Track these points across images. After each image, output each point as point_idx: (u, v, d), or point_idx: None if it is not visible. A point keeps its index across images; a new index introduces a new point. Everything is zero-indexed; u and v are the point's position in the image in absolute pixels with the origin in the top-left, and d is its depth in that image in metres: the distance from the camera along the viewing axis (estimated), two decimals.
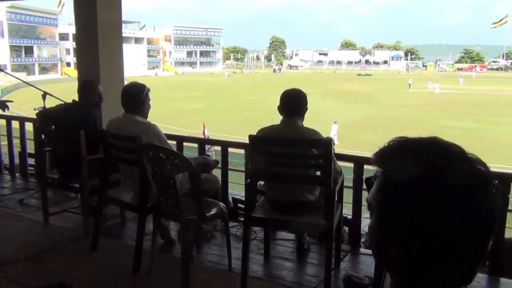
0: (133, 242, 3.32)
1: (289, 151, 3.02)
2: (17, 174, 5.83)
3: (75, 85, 4.36)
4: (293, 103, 3.18)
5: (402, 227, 0.75)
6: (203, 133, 18.14)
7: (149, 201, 3.25)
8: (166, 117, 24.05)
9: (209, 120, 20.96)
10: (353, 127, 24.58)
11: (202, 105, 34.48)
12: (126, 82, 4.13)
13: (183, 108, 32.67)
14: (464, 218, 0.72)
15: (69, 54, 66.36)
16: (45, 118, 4.28)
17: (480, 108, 33.40)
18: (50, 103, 4.80)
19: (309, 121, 3.22)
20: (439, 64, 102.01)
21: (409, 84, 51.02)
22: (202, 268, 3.40)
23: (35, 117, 4.53)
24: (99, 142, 3.77)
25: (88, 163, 3.82)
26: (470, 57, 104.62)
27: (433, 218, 0.72)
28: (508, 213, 3.36)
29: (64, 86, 18.89)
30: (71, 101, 4.28)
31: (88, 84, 4.23)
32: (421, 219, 0.73)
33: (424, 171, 0.73)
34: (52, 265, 3.40)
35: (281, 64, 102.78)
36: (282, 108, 3.18)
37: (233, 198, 4.79)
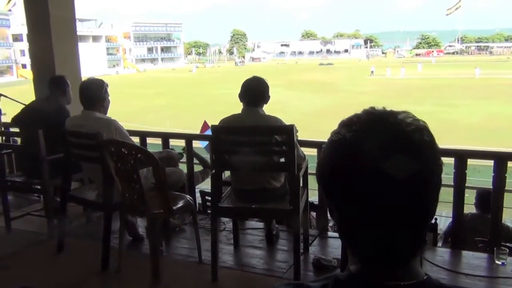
0: (100, 241, 3.27)
1: (252, 139, 3.02)
2: None
3: (31, 87, 4.22)
4: (255, 91, 3.17)
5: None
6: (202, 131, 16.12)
7: (114, 198, 3.20)
8: (130, 115, 23.70)
9: (174, 116, 20.68)
10: (315, 116, 24.83)
11: (166, 101, 34.09)
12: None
13: (146, 105, 32.24)
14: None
15: (24, 55, 64.05)
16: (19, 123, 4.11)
17: (439, 92, 34.34)
18: (5, 104, 4.65)
19: (275, 112, 3.20)
20: (398, 51, 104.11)
21: (372, 71, 52.06)
22: (172, 262, 3.39)
23: None
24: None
25: (50, 163, 3.72)
26: (427, 42, 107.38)
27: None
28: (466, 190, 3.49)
29: (20, 89, 18.20)
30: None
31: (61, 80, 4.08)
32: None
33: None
34: (17, 270, 3.30)
35: (243, 57, 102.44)
36: (243, 97, 3.17)
37: (200, 191, 4.78)
